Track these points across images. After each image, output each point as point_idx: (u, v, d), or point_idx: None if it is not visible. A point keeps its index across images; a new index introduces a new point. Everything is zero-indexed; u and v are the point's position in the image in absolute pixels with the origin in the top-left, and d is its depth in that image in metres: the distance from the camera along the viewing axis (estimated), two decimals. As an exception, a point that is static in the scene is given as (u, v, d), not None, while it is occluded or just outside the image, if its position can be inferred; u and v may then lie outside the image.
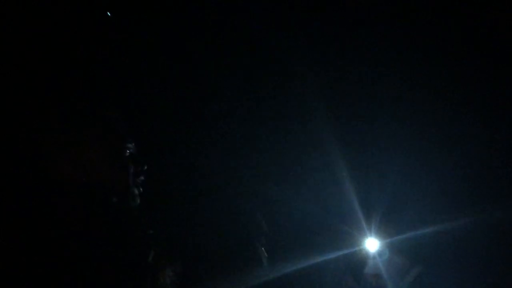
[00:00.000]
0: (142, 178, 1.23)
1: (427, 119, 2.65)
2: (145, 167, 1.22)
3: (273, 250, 2.71)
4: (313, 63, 2.50)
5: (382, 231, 2.61)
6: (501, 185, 2.61)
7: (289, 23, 2.27)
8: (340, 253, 2.61)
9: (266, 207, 2.67)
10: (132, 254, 1.17)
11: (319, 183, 2.69)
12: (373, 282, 2.60)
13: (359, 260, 2.60)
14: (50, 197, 1.03)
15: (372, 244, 2.59)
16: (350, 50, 2.55)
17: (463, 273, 2.55)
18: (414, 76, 2.58)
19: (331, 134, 2.58)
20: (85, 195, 1.07)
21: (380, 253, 2.59)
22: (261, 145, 2.65)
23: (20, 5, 1.70)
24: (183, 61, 2.31)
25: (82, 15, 1.97)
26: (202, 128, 2.56)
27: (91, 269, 1.00)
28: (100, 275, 1.02)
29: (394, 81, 2.59)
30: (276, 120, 2.64)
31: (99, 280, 1.01)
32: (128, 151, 1.17)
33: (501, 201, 2.54)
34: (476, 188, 2.64)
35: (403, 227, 2.60)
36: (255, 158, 2.64)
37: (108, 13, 2.12)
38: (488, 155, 2.62)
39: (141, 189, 1.23)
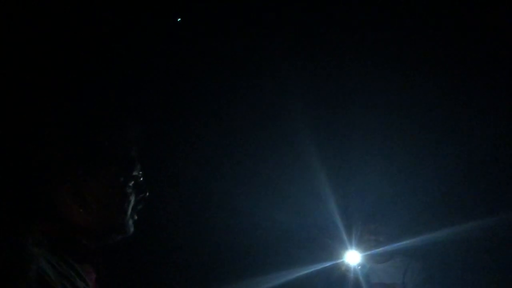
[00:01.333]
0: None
1: (408, 130, 2.70)
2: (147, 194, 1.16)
3: (253, 263, 2.70)
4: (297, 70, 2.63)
5: (363, 243, 2.55)
6: (486, 196, 2.54)
7: (270, 25, 2.46)
8: (320, 266, 2.56)
9: (246, 220, 2.73)
10: None
11: (299, 195, 2.74)
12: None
13: (340, 273, 2.51)
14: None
15: (353, 257, 2.52)
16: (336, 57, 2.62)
17: (449, 284, 2.40)
18: (400, 87, 2.63)
19: (311, 146, 2.68)
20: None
21: (360, 266, 2.50)
22: (241, 158, 2.77)
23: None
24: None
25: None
26: (186, 140, 2.73)
27: None
28: None
29: (377, 93, 2.67)
30: (258, 135, 2.78)
31: None
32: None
33: (486, 213, 2.45)
34: (460, 199, 2.58)
35: (385, 239, 2.53)
36: (235, 170, 2.76)
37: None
38: (473, 165, 2.59)
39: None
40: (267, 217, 2.70)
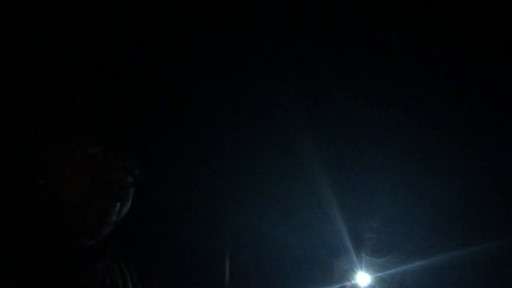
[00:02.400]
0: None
1: (416, 154, 2.73)
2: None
3: (262, 286, 2.69)
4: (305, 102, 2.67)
5: (373, 265, 2.55)
6: (492, 219, 2.55)
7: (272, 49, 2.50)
8: (331, 288, 2.55)
9: (257, 242, 2.74)
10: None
11: (308, 217, 2.75)
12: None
13: (350, 295, 2.50)
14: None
15: (363, 279, 2.51)
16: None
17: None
18: (406, 110, 2.66)
19: (321, 170, 2.71)
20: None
21: (371, 288, 2.49)
22: (252, 180, 2.79)
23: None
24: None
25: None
26: (193, 160, 2.75)
27: None
28: None
29: (383, 117, 2.70)
30: (268, 158, 2.81)
31: None
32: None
33: (495, 236, 2.46)
34: (469, 222, 2.59)
35: (395, 261, 2.53)
36: (247, 193, 2.78)
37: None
38: (480, 189, 2.61)
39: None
40: (277, 238, 2.72)
